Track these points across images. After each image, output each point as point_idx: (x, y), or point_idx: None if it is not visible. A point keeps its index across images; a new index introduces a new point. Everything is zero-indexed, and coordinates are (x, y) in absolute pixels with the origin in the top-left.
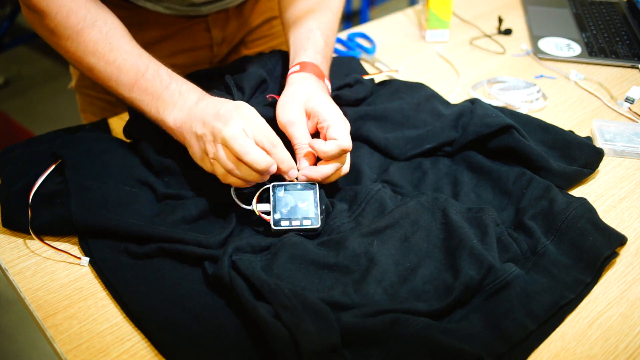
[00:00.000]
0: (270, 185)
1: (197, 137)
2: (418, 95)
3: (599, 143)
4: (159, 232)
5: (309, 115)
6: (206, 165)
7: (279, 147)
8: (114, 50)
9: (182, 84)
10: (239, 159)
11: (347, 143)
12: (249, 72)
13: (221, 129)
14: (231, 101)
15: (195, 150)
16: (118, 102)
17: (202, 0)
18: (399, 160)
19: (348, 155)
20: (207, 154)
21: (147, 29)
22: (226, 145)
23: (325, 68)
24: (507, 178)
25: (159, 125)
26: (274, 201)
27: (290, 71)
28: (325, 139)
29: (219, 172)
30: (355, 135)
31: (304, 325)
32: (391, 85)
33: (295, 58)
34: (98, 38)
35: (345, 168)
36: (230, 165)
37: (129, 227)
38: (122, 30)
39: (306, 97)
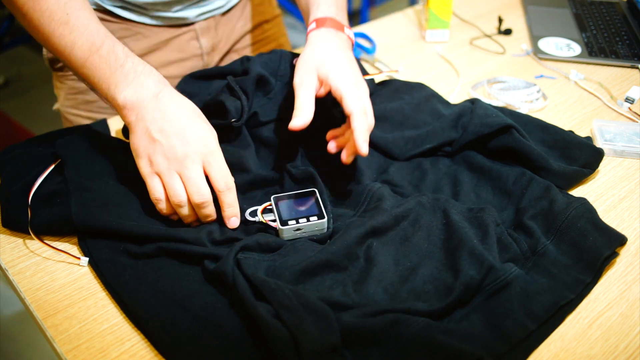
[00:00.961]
0: (272, 198)
1: (148, 136)
2: (418, 95)
3: (599, 143)
4: (158, 231)
5: (321, 82)
6: (142, 166)
7: (232, 191)
8: (70, 23)
9: (139, 64)
10: (188, 196)
11: (360, 118)
12: (252, 74)
13: (183, 161)
14: (195, 114)
15: (138, 142)
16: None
17: (188, 2)
18: (399, 160)
19: (369, 109)
20: (151, 162)
21: (135, 41)
22: (182, 178)
23: (342, 18)
24: (507, 178)
25: (108, 102)
26: (278, 209)
27: (308, 29)
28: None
29: (156, 189)
30: None
31: (304, 325)
32: (391, 85)
33: (309, 16)
34: (55, 8)
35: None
36: (179, 198)
37: (128, 227)
38: (82, 1)
39: (320, 59)
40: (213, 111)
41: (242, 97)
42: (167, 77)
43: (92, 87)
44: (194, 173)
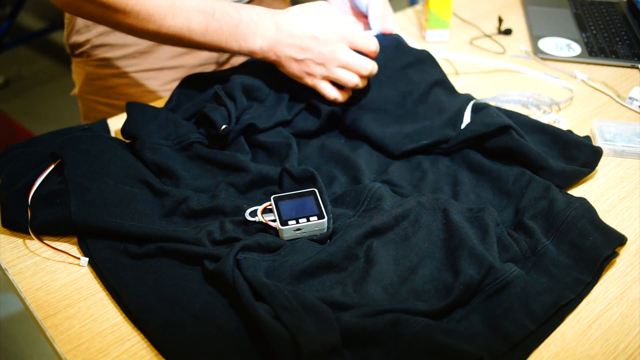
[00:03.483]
0: (272, 198)
1: (296, 60)
2: (425, 79)
3: (598, 143)
4: (158, 232)
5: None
6: (307, 82)
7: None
8: (176, 4)
9: (250, 12)
10: (358, 74)
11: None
12: (236, 80)
13: (334, 55)
14: (313, 13)
15: (293, 70)
16: (121, 107)
17: None
18: (394, 154)
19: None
20: (312, 75)
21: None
22: (344, 67)
23: None
24: (507, 178)
25: (243, 55)
26: (278, 209)
27: None
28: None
29: (328, 90)
30: (351, 128)
31: (304, 325)
32: (400, 57)
33: None
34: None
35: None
36: (355, 80)
37: (128, 227)
38: None
39: None
40: (204, 121)
41: (228, 104)
42: (182, 67)
43: (221, 50)
44: (350, 57)
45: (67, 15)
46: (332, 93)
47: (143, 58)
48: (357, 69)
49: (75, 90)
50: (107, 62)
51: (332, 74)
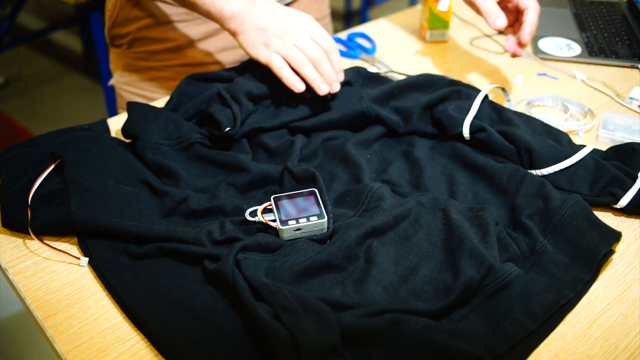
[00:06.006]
0: (272, 198)
1: (257, 29)
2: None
3: (599, 131)
4: (158, 231)
5: None
6: (260, 54)
7: (337, 51)
8: None
9: None
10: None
11: (534, 14)
12: (239, 81)
13: (293, 33)
14: (287, 7)
15: (249, 38)
16: (155, 99)
17: None
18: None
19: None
20: (267, 45)
21: (195, 25)
22: (296, 46)
23: None
24: (502, 175)
25: (215, 20)
26: (278, 209)
27: None
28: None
29: (277, 61)
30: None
31: (304, 325)
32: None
33: None
34: None
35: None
36: (299, 57)
37: (128, 227)
38: None
39: None
40: (208, 121)
41: (233, 107)
42: (220, 63)
43: (195, 8)
44: (305, 39)
45: (108, 7)
46: (280, 61)
47: (182, 53)
48: (307, 49)
49: (113, 81)
50: (146, 55)
51: (284, 48)
